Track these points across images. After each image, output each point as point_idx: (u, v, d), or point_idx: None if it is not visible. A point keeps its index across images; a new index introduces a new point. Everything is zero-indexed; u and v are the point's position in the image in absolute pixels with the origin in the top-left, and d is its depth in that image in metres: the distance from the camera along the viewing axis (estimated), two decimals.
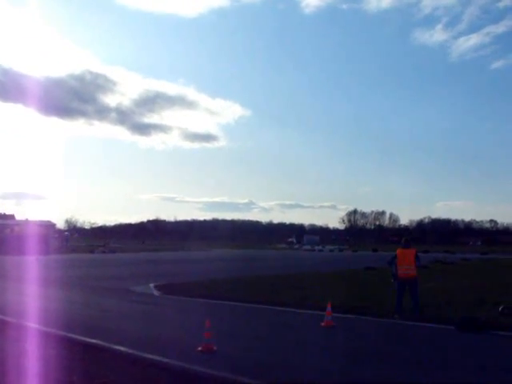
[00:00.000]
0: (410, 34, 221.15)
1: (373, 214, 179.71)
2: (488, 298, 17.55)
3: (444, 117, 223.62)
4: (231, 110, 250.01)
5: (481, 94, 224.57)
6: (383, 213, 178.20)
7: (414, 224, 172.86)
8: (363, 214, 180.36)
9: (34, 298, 17.95)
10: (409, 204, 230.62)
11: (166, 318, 15.31)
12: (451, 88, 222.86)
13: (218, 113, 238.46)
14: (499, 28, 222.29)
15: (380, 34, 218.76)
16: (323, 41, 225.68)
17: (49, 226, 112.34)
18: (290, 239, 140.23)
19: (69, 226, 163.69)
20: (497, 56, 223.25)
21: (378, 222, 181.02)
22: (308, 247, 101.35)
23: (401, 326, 13.79)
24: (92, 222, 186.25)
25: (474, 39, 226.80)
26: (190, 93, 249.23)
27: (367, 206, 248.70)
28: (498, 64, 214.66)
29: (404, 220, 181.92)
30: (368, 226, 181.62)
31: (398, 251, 15.42)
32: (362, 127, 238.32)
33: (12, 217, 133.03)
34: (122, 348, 10.33)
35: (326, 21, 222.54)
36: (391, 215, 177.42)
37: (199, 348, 10.18)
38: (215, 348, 10.20)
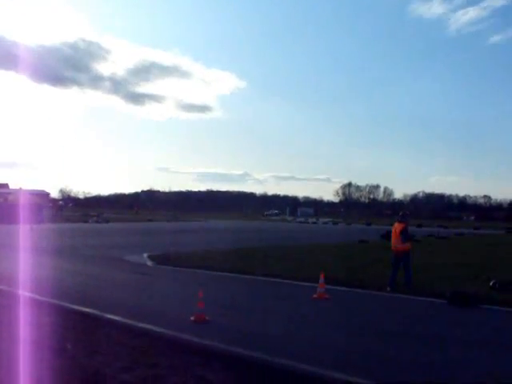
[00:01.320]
0: (407, 7, 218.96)
1: (367, 188, 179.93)
2: (479, 273, 17.68)
3: (441, 91, 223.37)
4: (227, 81, 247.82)
5: (478, 69, 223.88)
6: (378, 186, 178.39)
7: (408, 198, 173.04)
8: (358, 188, 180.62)
9: (27, 266, 17.96)
10: (403, 178, 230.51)
11: (159, 288, 15.36)
12: (448, 62, 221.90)
13: (214, 83, 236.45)
14: (498, 2, 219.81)
15: (378, 6, 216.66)
16: (320, 11, 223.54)
17: (43, 195, 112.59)
18: (269, 211, 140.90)
19: (63, 196, 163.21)
20: (495, 30, 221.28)
21: (372, 196, 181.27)
22: (302, 219, 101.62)
23: (393, 299, 13.88)
24: (86, 191, 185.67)
25: (472, 13, 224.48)
26: (186, 62, 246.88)
27: (362, 180, 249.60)
28: (496, 38, 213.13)
29: (398, 194, 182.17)
30: (362, 199, 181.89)
31: (394, 226, 15.53)
32: (357, 100, 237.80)
33: (6, 186, 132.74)
34: (114, 317, 10.39)
35: None
36: (386, 189, 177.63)
37: (192, 318, 10.26)
38: (207, 318, 10.27)
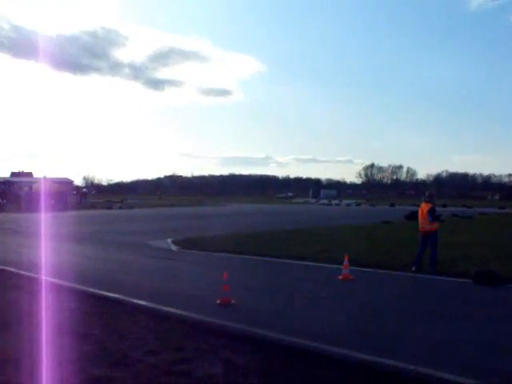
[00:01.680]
0: None
1: (390, 168, 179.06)
2: (504, 252, 17.51)
3: (461, 69, 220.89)
4: (247, 64, 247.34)
5: (499, 46, 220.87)
6: (400, 167, 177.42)
7: (431, 178, 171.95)
8: (380, 168, 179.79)
9: (52, 253, 18.12)
10: (426, 158, 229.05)
11: (183, 272, 15.41)
12: (468, 39, 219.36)
13: (234, 67, 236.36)
14: None
15: None
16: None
17: (66, 182, 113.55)
18: (282, 194, 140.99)
19: (86, 183, 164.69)
20: None
21: (395, 177, 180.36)
22: (325, 201, 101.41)
23: (418, 279, 13.79)
24: (109, 178, 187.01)
25: None
26: (205, 47, 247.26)
27: (384, 161, 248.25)
28: None
29: (421, 174, 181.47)
30: (385, 180, 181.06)
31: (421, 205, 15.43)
32: (378, 80, 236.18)
33: (30, 174, 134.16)
34: (141, 302, 10.45)
35: None
36: (408, 169, 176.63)
37: (217, 301, 10.28)
38: (233, 301, 10.29)
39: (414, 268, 14.66)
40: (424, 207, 15.15)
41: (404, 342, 7.83)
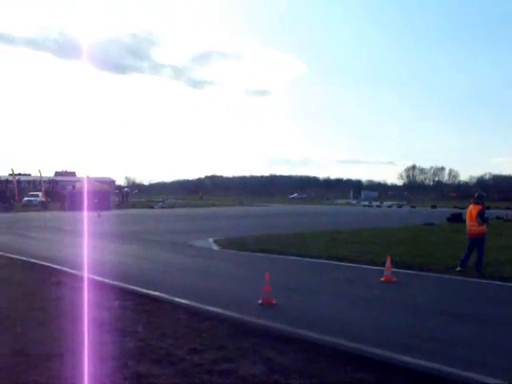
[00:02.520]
0: None
1: (432, 170, 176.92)
2: None
3: (503, 69, 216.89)
4: (288, 64, 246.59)
5: None
6: (442, 169, 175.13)
7: (475, 180, 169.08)
8: (422, 170, 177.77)
9: (96, 251, 18.33)
10: (469, 160, 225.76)
11: (225, 271, 15.45)
12: (509, 39, 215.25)
13: (274, 67, 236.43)
14: None
15: None
16: None
17: (109, 182, 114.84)
18: (294, 195, 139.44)
19: (128, 183, 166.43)
20: None
21: (437, 178, 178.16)
22: (366, 203, 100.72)
23: (461, 282, 13.59)
24: (150, 178, 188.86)
25: None
26: (246, 47, 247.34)
27: (426, 162, 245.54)
28: None
29: (464, 176, 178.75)
30: (427, 182, 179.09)
31: (469, 207, 15.15)
32: (421, 81, 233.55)
33: (73, 174, 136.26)
34: (183, 300, 10.49)
35: None
36: (451, 171, 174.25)
37: (259, 301, 10.28)
38: (274, 301, 10.27)
39: (458, 268, 14.47)
40: (473, 209, 14.87)
41: (449, 345, 7.71)
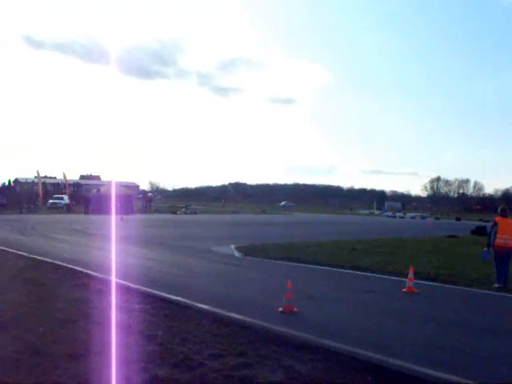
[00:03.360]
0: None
1: (456, 182, 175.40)
2: None
3: None
4: (312, 73, 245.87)
5: None
6: (467, 181, 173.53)
7: (500, 193, 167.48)
8: (446, 182, 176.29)
9: (119, 255, 18.43)
10: (494, 172, 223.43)
11: (246, 278, 15.46)
12: None
13: (299, 75, 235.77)
14: None
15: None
16: (405, 3, 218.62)
17: (133, 186, 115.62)
18: (282, 203, 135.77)
19: (152, 188, 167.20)
20: None
21: (461, 190, 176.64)
22: (389, 213, 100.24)
23: (484, 295, 13.46)
24: (175, 184, 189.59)
25: None
26: (270, 55, 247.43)
27: (450, 174, 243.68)
28: None
29: (489, 189, 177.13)
30: (451, 194, 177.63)
31: (499, 219, 14.82)
32: (445, 93, 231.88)
33: (98, 178, 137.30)
34: (204, 306, 10.50)
35: None
36: (476, 183, 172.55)
37: (280, 309, 10.25)
38: (296, 309, 10.25)
39: (497, 285, 14.27)
40: (510, 222, 14.67)
41: (468, 359, 7.64)
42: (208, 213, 72.07)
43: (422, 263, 17.90)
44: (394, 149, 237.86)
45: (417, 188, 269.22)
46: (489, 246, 14.74)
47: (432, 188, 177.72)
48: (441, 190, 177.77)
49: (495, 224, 14.74)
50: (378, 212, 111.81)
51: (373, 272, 16.54)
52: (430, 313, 11.20)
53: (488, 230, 14.92)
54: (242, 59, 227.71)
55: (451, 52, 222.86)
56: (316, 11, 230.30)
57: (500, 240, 14.57)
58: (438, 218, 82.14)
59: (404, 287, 13.33)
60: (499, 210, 15.13)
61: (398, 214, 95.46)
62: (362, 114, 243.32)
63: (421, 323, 10.12)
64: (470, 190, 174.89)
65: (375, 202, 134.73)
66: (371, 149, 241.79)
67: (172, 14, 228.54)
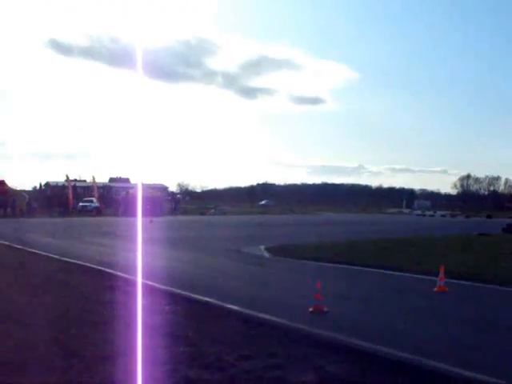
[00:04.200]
0: None
1: (487, 180, 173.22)
2: None
3: None
4: (339, 73, 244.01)
5: None
6: (498, 178, 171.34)
7: None
8: (477, 180, 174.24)
9: (148, 256, 18.48)
10: None
11: (276, 279, 15.44)
12: None
13: (326, 75, 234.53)
14: None
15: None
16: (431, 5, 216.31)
17: (162, 188, 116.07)
18: (262, 202, 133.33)
19: (181, 189, 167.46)
20: None
21: (492, 188, 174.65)
22: (419, 212, 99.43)
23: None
24: (203, 185, 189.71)
25: None
26: (297, 55, 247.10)
27: (481, 171, 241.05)
28: None
29: None
30: (482, 191, 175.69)
31: None
32: (474, 89, 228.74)
33: (127, 180, 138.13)
34: (234, 307, 10.50)
35: None
36: (507, 181, 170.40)
37: (310, 309, 10.21)
38: (326, 309, 10.20)
39: None
40: None
41: (501, 359, 7.54)
42: (237, 213, 72.16)
43: (453, 262, 17.66)
44: (422, 147, 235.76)
45: (447, 186, 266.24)
46: None
47: (462, 186, 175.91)
48: (471, 188, 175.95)
49: None
50: (407, 211, 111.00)
51: (403, 271, 16.37)
52: (460, 312, 11.09)
53: None
54: (268, 60, 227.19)
55: (479, 48, 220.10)
56: (341, 9, 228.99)
57: None
58: (468, 216, 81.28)
59: (435, 286, 13.19)
60: None
61: (427, 213, 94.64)
62: (390, 113, 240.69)
63: (451, 323, 9.97)
64: (500, 188, 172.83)
65: (404, 201, 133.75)
66: (400, 147, 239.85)
67: (198, 15, 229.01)
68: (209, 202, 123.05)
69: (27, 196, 67.14)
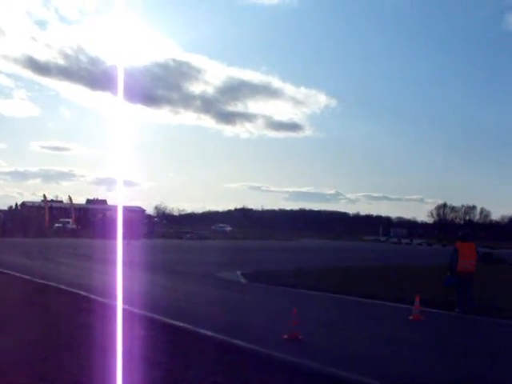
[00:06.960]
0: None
1: (463, 209, 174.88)
2: None
3: None
4: (316, 99, 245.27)
5: None
6: (474, 207, 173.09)
7: (506, 220, 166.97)
8: (453, 208, 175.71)
9: (124, 280, 18.37)
10: (501, 199, 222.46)
11: (251, 305, 15.41)
12: None
13: (303, 102, 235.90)
14: None
15: (472, 20, 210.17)
16: (412, 27, 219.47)
17: (139, 211, 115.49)
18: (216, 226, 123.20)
19: (158, 213, 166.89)
20: None
21: (468, 217, 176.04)
22: (395, 240, 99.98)
23: (488, 322, 13.45)
24: (180, 209, 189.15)
25: None
26: (274, 81, 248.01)
27: (457, 200, 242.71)
28: None
29: (496, 216, 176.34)
30: (457, 220, 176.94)
31: (459, 245, 15.00)
32: (451, 118, 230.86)
33: (104, 202, 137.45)
34: (208, 332, 10.45)
35: (414, 6, 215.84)
36: (482, 210, 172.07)
37: (285, 336, 10.19)
38: (301, 337, 10.19)
39: (457, 310, 14.48)
40: (472, 246, 14.85)
41: None
42: (214, 238, 71.99)
43: (429, 290, 17.75)
44: (399, 175, 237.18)
45: (423, 214, 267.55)
46: (452, 271, 14.89)
47: (438, 214, 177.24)
48: (447, 217, 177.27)
49: (456, 250, 14.98)
50: (383, 238, 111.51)
51: (379, 299, 16.43)
52: (435, 340, 11.14)
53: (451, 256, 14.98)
54: (246, 85, 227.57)
55: (456, 79, 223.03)
56: (318, 37, 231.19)
57: (461, 265, 14.73)
58: (444, 245, 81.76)
59: (410, 315, 13.24)
60: (460, 234, 15.56)
61: (404, 241, 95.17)
62: (368, 140, 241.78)
63: (427, 351, 10.02)
64: (476, 217, 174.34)
65: (381, 228, 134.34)
66: (377, 175, 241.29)
67: (176, 39, 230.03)
68: (186, 225, 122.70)
69: (2, 215, 66.57)
